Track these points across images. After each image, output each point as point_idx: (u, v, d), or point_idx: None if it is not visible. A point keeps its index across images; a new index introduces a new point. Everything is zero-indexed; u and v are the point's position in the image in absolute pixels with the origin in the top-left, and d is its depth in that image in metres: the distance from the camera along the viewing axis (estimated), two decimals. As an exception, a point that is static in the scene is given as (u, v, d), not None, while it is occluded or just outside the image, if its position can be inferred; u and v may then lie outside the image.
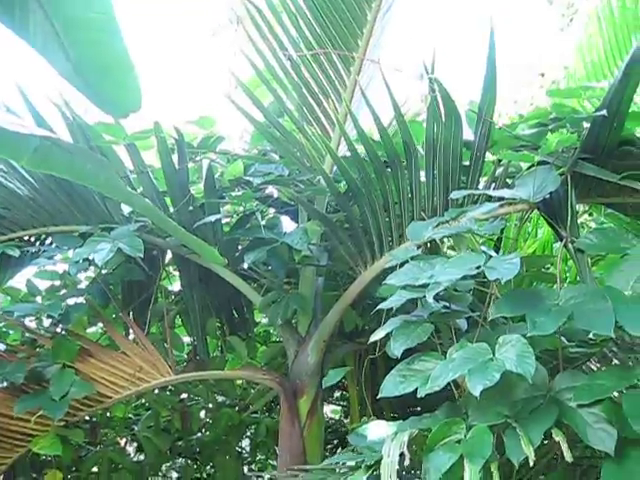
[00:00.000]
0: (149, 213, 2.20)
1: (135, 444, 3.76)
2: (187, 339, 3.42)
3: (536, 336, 1.66)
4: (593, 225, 4.09)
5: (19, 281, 3.15)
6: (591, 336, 2.09)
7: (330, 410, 4.35)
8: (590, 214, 4.09)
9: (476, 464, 1.57)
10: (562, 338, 1.98)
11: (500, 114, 6.98)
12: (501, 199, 1.97)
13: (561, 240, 2.02)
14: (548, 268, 2.83)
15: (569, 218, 1.98)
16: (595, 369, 2.47)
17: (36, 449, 2.68)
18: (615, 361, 2.45)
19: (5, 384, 2.75)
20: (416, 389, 1.77)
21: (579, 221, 4.60)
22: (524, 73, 7.22)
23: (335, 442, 4.00)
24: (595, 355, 2.35)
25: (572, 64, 4.69)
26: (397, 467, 1.68)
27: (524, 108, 6.19)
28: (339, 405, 4.23)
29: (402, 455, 1.69)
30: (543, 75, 6.96)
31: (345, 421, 4.18)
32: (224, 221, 2.93)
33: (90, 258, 2.52)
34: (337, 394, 4.08)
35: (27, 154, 1.75)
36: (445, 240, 2.64)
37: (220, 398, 3.56)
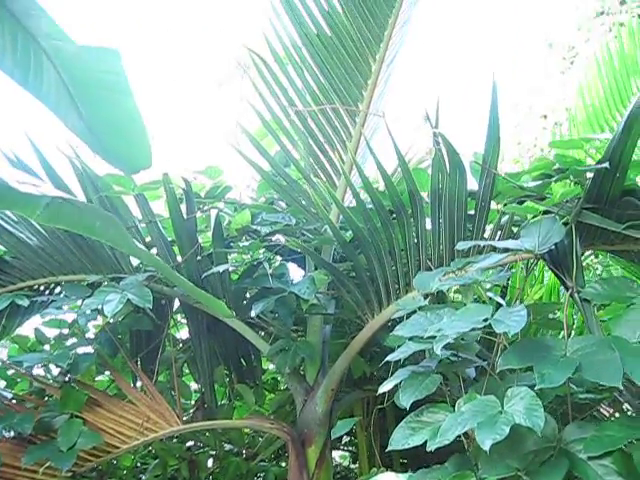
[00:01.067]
0: (157, 266, 2.23)
1: (142, 493, 3.72)
2: (195, 386, 3.42)
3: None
4: (599, 267, 4.11)
5: (27, 328, 3.18)
6: (601, 381, 2.09)
7: (338, 455, 4.31)
8: (596, 256, 4.11)
9: (487, 519, 1.56)
10: (572, 384, 1.99)
11: (504, 157, 7.06)
12: (506, 250, 1.99)
13: (567, 290, 2.04)
14: (556, 314, 2.83)
15: (574, 268, 1.99)
16: (607, 414, 2.46)
17: (43, 500, 2.66)
18: (626, 405, 2.45)
19: (12, 434, 2.74)
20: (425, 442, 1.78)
21: (585, 262, 4.62)
22: (527, 115, 7.31)
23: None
24: (605, 400, 2.35)
25: (574, 106, 4.75)
26: (407, 521, 1.67)
27: (528, 151, 6.27)
28: (347, 451, 4.20)
29: (412, 509, 1.69)
30: (546, 117, 7.04)
31: (353, 467, 4.15)
32: (232, 269, 2.95)
33: (99, 308, 2.54)
34: (346, 439, 4.05)
35: (38, 210, 1.78)
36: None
37: (228, 446, 3.54)
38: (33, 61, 1.79)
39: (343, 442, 4.07)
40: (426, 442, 1.76)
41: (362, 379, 2.98)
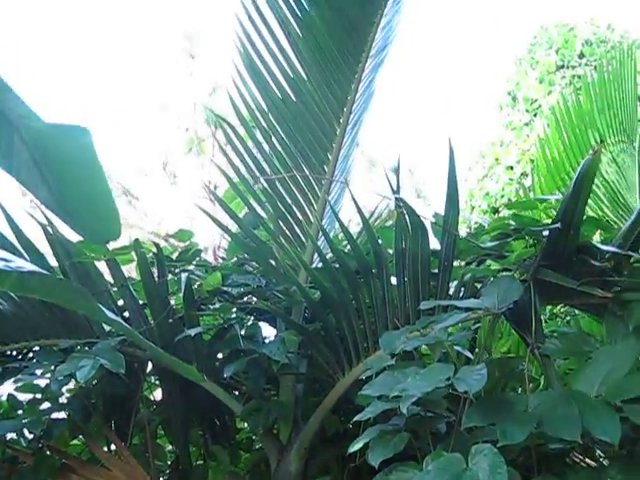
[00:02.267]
0: (127, 333, 2.27)
1: None
2: (171, 447, 3.41)
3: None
4: (568, 317, 4.18)
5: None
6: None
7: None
8: (564, 305, 4.19)
9: None
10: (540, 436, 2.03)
11: (474, 207, 7.22)
12: (468, 309, 2.06)
13: (527, 346, 2.10)
14: (523, 365, 2.89)
15: (533, 324, 2.06)
16: (580, 461, 2.51)
17: None
18: (598, 452, 2.49)
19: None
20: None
21: (554, 311, 4.69)
22: (493, 166, 7.48)
23: None
24: (575, 449, 2.40)
25: (536, 158, 4.90)
26: None
27: (496, 201, 6.42)
28: (325, 508, 4.17)
29: None
30: (512, 168, 7.21)
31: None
32: (204, 331, 2.98)
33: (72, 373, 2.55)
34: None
35: (9, 281, 1.82)
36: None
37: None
38: (4, 138, 1.84)
39: (321, 499, 4.04)
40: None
41: (336, 436, 3.00)
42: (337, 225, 3.13)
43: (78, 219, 1.91)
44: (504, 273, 2.26)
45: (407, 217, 2.28)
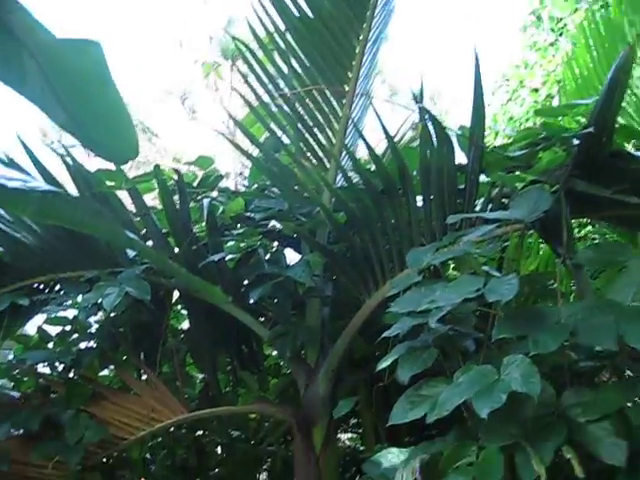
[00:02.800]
0: (151, 257, 2.25)
1: (153, 484, 3.74)
2: (200, 375, 3.44)
3: (541, 354, 1.68)
4: (596, 237, 4.10)
5: (31, 328, 3.20)
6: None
7: (348, 438, 4.33)
8: (593, 225, 4.10)
9: (488, 486, 1.58)
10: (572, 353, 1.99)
11: (497, 132, 7.06)
12: (497, 221, 2.00)
13: (558, 257, 2.04)
14: (553, 284, 2.84)
15: (564, 235, 2.00)
16: (611, 382, 2.48)
17: (54, 495, 2.69)
18: (629, 372, 2.46)
19: (21, 431, 2.77)
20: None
21: (583, 232, 4.60)
22: (518, 89, 7.28)
23: (353, 470, 3.97)
24: (606, 368, 2.36)
25: (564, 78, 4.73)
26: (411, 494, 1.69)
27: (520, 125, 6.27)
28: (356, 433, 4.21)
29: (415, 481, 1.71)
30: (537, 91, 7.01)
31: (363, 448, 4.16)
32: (229, 257, 2.96)
33: (99, 302, 2.56)
34: (353, 421, 4.06)
35: (30, 207, 1.79)
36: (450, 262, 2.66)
37: (235, 433, 3.56)
38: (14, 56, 1.78)
39: (351, 424, 4.08)
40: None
41: (363, 359, 2.99)
42: (359, 147, 3.07)
43: (94, 138, 1.86)
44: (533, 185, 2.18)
45: (432, 129, 2.20)
